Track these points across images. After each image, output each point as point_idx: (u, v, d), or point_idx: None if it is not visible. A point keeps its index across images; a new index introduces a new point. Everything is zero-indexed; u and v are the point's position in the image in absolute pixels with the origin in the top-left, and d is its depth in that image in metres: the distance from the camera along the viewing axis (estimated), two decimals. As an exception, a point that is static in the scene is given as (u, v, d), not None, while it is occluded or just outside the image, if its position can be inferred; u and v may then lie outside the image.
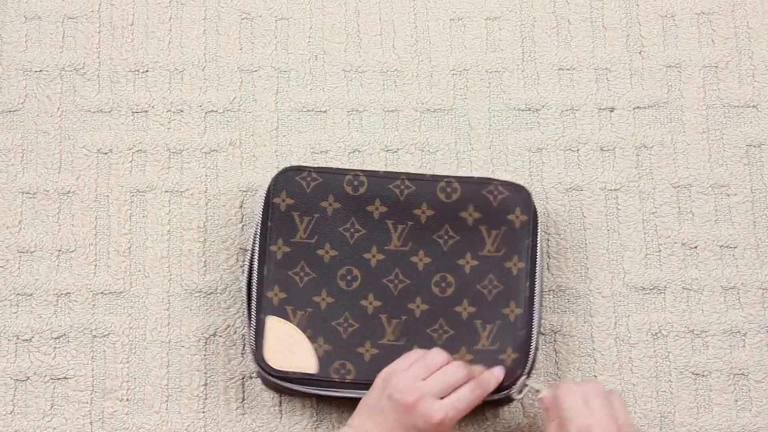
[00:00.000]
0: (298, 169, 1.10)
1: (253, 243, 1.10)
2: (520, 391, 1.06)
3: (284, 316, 1.07)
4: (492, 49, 1.23)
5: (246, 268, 1.11)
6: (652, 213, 1.18)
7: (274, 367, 1.06)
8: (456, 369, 1.01)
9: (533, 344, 1.07)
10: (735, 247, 1.17)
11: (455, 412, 0.99)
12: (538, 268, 1.09)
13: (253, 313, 1.08)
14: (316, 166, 1.12)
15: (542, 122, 1.20)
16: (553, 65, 1.22)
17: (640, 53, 1.22)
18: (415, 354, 1.03)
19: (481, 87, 1.21)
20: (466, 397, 1.00)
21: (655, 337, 1.14)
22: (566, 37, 1.23)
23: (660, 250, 1.16)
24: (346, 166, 1.18)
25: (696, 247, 1.17)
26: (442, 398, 0.99)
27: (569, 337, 1.14)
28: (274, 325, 1.07)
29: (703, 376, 1.13)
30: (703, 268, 1.16)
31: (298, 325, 1.07)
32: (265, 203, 1.10)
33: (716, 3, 1.24)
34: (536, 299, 1.08)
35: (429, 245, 1.10)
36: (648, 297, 1.15)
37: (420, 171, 1.17)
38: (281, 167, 1.18)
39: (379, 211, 1.10)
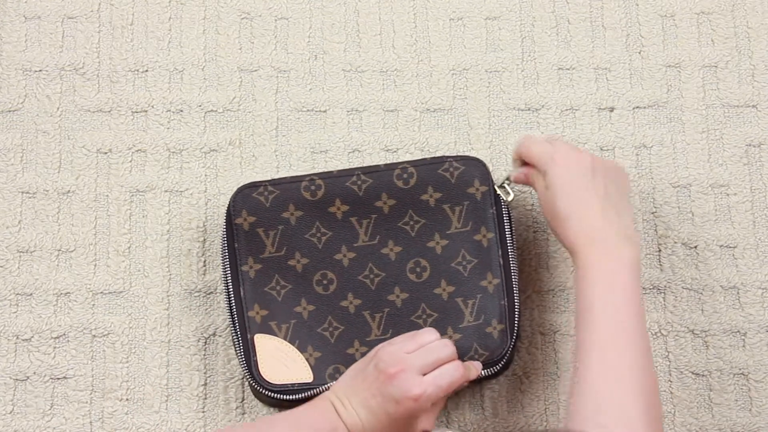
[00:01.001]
0: (254, 186, 1.10)
1: (224, 267, 1.09)
2: (507, 195, 1.10)
3: (270, 332, 1.07)
4: (492, 49, 1.23)
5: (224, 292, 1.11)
6: (652, 213, 1.18)
7: (272, 383, 1.06)
8: (442, 346, 1.01)
9: (517, 311, 1.07)
10: (735, 247, 1.16)
11: (434, 389, 0.98)
12: (507, 235, 1.09)
13: (240, 334, 1.07)
14: (269, 179, 1.11)
15: (542, 122, 1.20)
16: (552, 65, 1.22)
17: (639, 53, 1.22)
18: (412, 332, 1.04)
19: (481, 87, 1.21)
20: (446, 377, 0.99)
21: (655, 336, 1.14)
22: (566, 37, 1.23)
23: (660, 250, 1.16)
24: (346, 167, 1.18)
25: (696, 247, 1.17)
26: (424, 375, 0.99)
27: (569, 337, 1.14)
28: (262, 342, 1.07)
29: (703, 375, 1.13)
30: (703, 267, 1.16)
31: (285, 338, 1.07)
32: (227, 225, 1.09)
33: (716, 3, 1.24)
34: (512, 266, 1.08)
35: (397, 234, 1.10)
36: (648, 297, 1.15)
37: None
38: (281, 167, 1.18)
39: (341, 211, 1.10)
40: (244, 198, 1.09)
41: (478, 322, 1.07)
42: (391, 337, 1.07)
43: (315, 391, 1.06)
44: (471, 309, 1.08)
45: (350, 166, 1.17)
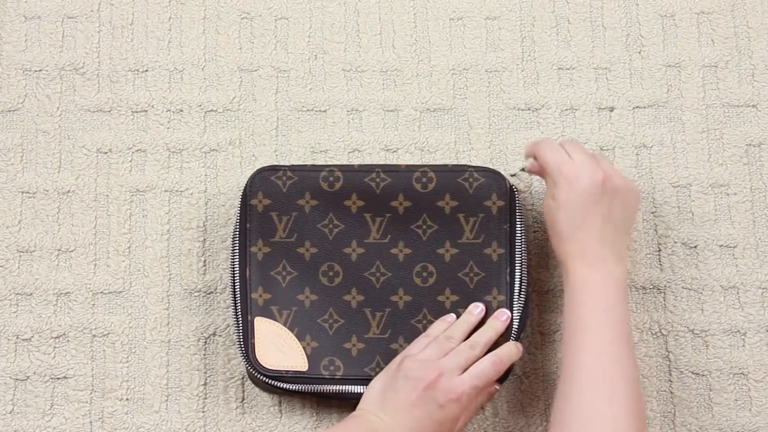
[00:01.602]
0: (273, 169, 1.11)
1: (233, 246, 1.10)
2: (518, 184, 1.10)
3: (270, 316, 1.08)
4: (492, 49, 1.23)
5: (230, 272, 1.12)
6: (652, 212, 1.18)
7: (267, 367, 1.06)
8: (468, 349, 1.03)
9: (516, 330, 1.07)
10: (735, 247, 1.16)
11: (472, 389, 1.00)
12: (518, 253, 1.09)
13: (240, 315, 1.08)
14: (290, 164, 1.12)
15: (542, 122, 1.20)
16: (552, 65, 1.22)
17: (639, 53, 1.22)
18: (426, 339, 1.05)
19: (481, 86, 1.21)
20: (486, 372, 1.02)
21: (654, 336, 1.14)
22: (566, 37, 1.23)
23: (660, 250, 1.16)
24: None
25: (696, 247, 1.17)
26: (461, 374, 1.02)
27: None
28: (262, 326, 1.07)
29: (703, 375, 1.13)
30: (703, 267, 1.16)
31: (285, 325, 1.08)
32: (242, 205, 1.10)
33: (716, 2, 1.24)
34: (517, 284, 1.08)
35: (408, 236, 1.10)
36: (648, 296, 1.15)
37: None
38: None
39: (356, 205, 1.10)
40: (262, 180, 1.10)
41: None
42: (390, 337, 1.08)
43: (309, 381, 1.06)
44: None
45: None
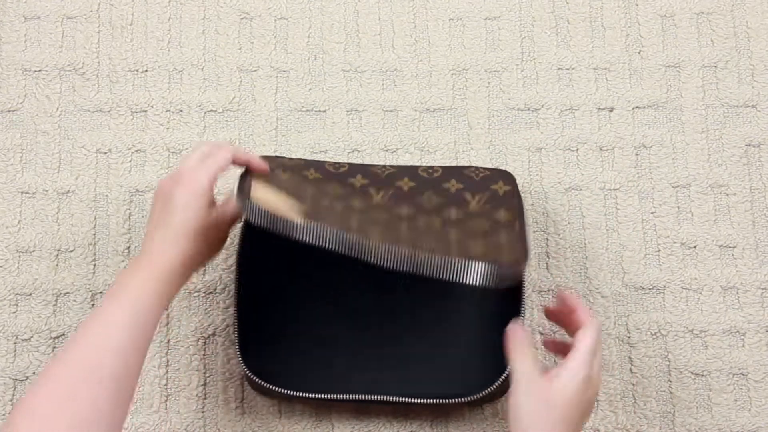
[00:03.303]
0: (279, 156, 1.09)
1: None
2: None
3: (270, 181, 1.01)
4: (491, 49, 1.23)
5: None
6: (652, 213, 1.18)
7: (262, 208, 0.94)
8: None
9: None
10: (734, 247, 1.17)
11: None
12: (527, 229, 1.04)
13: (238, 307, 1.06)
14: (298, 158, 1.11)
15: (541, 122, 1.20)
16: (552, 65, 1.22)
17: (639, 53, 1.22)
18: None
19: (481, 87, 1.21)
20: None
21: (654, 336, 1.14)
22: (565, 37, 1.23)
23: (659, 250, 1.16)
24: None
25: (695, 247, 1.17)
26: None
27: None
28: (258, 185, 0.99)
29: (703, 375, 1.13)
30: (703, 267, 1.16)
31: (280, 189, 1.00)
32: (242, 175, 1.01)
33: (715, 3, 1.24)
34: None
35: (412, 203, 1.05)
36: (647, 297, 1.15)
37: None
38: (280, 167, 1.18)
39: (360, 183, 1.08)
40: (267, 157, 1.04)
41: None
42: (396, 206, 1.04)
43: (299, 234, 0.94)
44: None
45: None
